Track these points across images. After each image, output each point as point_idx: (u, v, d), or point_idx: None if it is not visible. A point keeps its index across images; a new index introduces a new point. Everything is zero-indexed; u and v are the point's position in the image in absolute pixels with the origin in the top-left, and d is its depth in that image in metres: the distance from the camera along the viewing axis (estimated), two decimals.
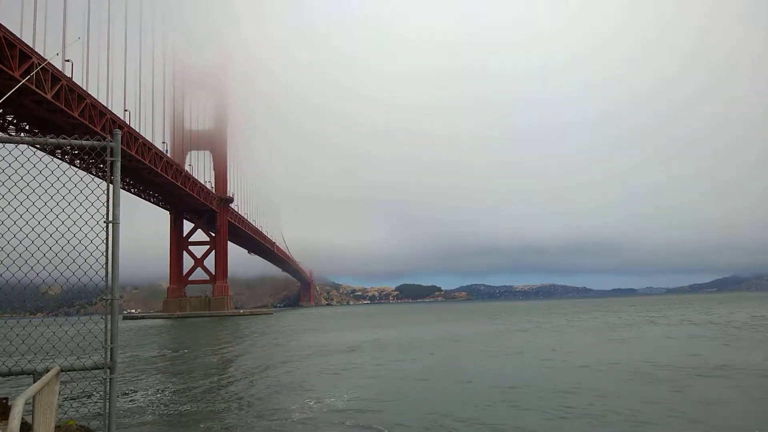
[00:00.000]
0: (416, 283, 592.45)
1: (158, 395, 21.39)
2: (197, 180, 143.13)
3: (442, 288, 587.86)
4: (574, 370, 24.37)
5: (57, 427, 6.79)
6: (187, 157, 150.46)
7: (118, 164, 6.62)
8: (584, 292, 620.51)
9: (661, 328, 49.09)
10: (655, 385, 19.53)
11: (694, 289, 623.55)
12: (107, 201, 6.52)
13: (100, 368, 6.24)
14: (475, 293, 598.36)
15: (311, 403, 19.04)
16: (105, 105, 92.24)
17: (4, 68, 64.90)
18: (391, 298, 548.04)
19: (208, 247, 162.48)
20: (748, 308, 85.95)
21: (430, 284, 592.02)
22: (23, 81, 57.94)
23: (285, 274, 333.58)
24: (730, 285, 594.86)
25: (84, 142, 6.64)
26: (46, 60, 67.92)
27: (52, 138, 6.48)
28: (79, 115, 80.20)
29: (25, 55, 68.66)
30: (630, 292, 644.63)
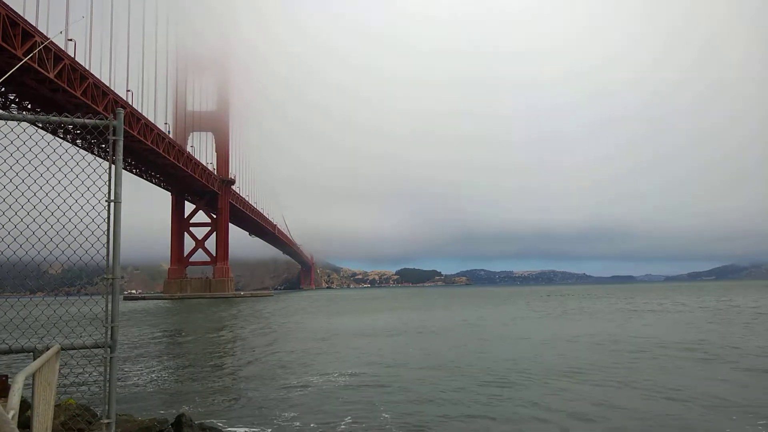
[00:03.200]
0: (416, 267, 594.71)
1: (158, 374, 21.54)
2: (199, 161, 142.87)
3: (442, 273, 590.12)
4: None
5: (57, 405, 6.82)
6: (189, 138, 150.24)
7: (120, 143, 6.57)
8: (583, 279, 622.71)
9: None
10: None
11: (693, 277, 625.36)
12: (109, 180, 6.47)
13: (100, 347, 6.24)
14: (475, 278, 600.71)
15: (313, 380, 19.33)
16: (107, 85, 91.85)
17: (7, 47, 64.52)
18: (391, 282, 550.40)
19: (209, 228, 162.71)
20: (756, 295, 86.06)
21: (430, 269, 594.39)
22: (25, 59, 57.66)
23: (286, 256, 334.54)
24: (728, 273, 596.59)
25: (86, 121, 6.58)
26: (48, 39, 67.50)
27: (54, 116, 6.42)
28: (81, 95, 79.86)
29: (27, 33, 68.23)
30: (629, 279, 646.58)
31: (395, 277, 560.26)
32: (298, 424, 13.61)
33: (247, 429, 13.15)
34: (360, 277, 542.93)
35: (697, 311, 53.26)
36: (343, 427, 13.36)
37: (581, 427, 12.74)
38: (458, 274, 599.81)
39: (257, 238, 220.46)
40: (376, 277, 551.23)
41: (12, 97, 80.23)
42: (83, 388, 11.64)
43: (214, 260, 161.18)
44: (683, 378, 18.25)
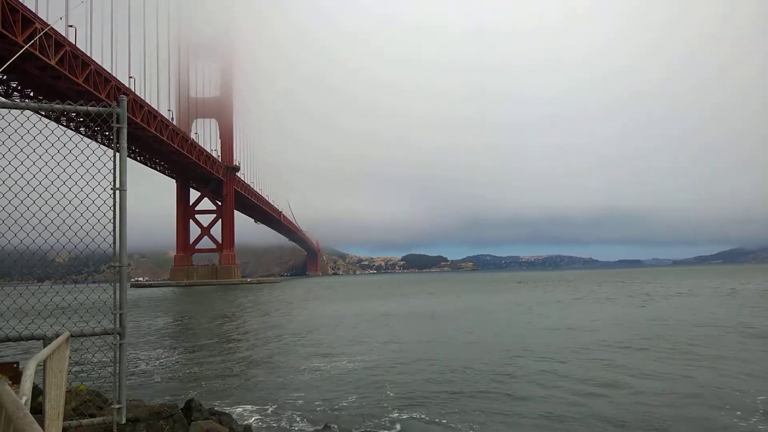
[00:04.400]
0: (422, 253, 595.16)
1: (167, 360, 21.74)
2: (203, 148, 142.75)
3: (448, 258, 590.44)
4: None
5: (68, 391, 6.89)
6: (193, 125, 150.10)
7: (124, 131, 6.55)
8: (590, 263, 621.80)
9: None
10: None
11: (700, 260, 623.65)
12: (114, 168, 6.47)
13: (109, 334, 6.29)
14: (482, 263, 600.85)
15: (320, 363, 19.56)
16: (109, 72, 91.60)
17: (7, 34, 64.29)
18: (397, 267, 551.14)
19: (214, 215, 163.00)
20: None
21: (436, 254, 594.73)
22: (26, 46, 57.43)
23: (292, 243, 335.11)
24: (735, 257, 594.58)
25: (90, 108, 6.56)
26: (48, 25, 67.24)
27: (57, 104, 6.40)
28: (83, 82, 79.69)
29: (27, 20, 67.95)
30: (636, 263, 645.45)
31: (401, 263, 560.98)
32: (301, 402, 13.99)
33: (254, 411, 13.34)
34: (366, 263, 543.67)
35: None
36: (345, 404, 13.78)
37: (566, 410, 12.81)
38: (464, 260, 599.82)
39: (263, 225, 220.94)
40: (382, 263, 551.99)
41: (14, 85, 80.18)
42: (94, 374, 11.78)
43: (220, 247, 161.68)
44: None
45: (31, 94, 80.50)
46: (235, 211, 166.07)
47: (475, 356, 20.31)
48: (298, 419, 12.62)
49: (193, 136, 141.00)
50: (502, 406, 13.29)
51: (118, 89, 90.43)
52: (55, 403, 5.12)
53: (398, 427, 11.92)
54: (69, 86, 77.65)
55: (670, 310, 37.30)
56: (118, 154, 6.49)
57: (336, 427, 12.02)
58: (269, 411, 13.39)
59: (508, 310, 42.48)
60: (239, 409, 13.48)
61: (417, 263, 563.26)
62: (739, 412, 12.01)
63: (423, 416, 12.58)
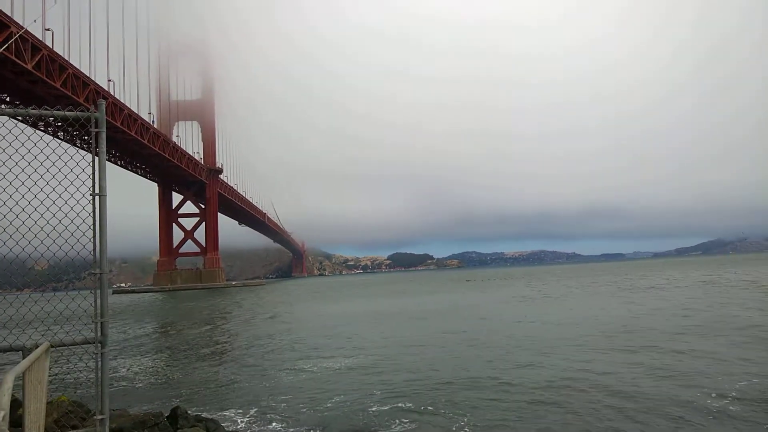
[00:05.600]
0: (408, 251, 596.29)
1: (151, 368, 21.47)
2: (185, 151, 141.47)
3: (434, 256, 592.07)
4: None
5: (49, 402, 6.74)
6: (175, 127, 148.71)
7: (103, 135, 6.43)
8: (574, 258, 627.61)
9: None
10: None
11: (680, 252, 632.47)
12: (93, 173, 6.35)
13: (90, 343, 6.15)
14: (467, 261, 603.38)
15: (305, 366, 19.54)
16: (88, 75, 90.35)
17: None
18: (383, 267, 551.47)
19: (198, 219, 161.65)
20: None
21: (422, 253, 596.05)
22: (1, 50, 56.46)
23: (277, 245, 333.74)
24: (714, 248, 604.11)
25: (67, 113, 6.43)
26: (23, 28, 66.16)
27: (34, 109, 6.26)
28: (61, 86, 78.54)
29: (2, 24, 66.82)
30: (618, 257, 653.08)
31: (387, 262, 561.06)
32: (289, 405, 14.01)
33: (241, 416, 13.23)
34: (352, 263, 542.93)
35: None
36: (329, 404, 13.86)
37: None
38: (450, 257, 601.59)
39: (247, 227, 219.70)
40: (369, 263, 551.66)
41: None
42: (76, 384, 11.58)
43: (203, 251, 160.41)
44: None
45: (7, 99, 79.11)
46: (219, 214, 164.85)
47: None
48: (285, 422, 12.54)
49: (174, 138, 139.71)
50: (487, 397, 13.31)
51: (97, 93, 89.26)
52: (35, 416, 4.99)
53: (384, 424, 11.92)
54: (46, 91, 76.48)
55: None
56: (97, 159, 6.37)
57: (323, 428, 12.00)
58: (256, 415, 13.29)
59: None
60: (226, 415, 13.36)
61: (403, 262, 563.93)
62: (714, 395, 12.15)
63: (408, 412, 12.61)
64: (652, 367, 16.33)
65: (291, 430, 12.08)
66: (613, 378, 15.20)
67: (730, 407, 11.84)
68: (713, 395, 12.79)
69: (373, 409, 13.31)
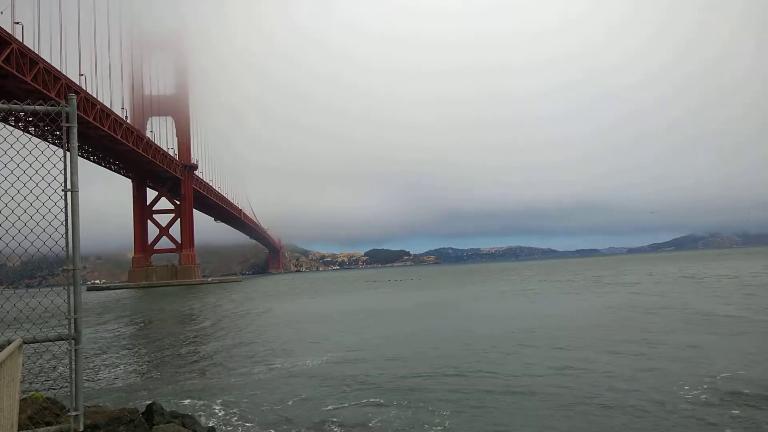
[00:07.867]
0: (385, 248, 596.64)
1: (127, 364, 21.27)
2: (159, 147, 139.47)
3: (411, 252, 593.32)
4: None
5: (23, 399, 6.69)
6: (149, 123, 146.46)
7: (74, 130, 6.39)
8: (549, 254, 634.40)
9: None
10: None
11: (654, 248, 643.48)
12: (65, 169, 6.31)
13: (64, 339, 6.13)
14: (443, 257, 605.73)
15: (277, 362, 19.61)
16: (59, 69, 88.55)
17: None
18: (360, 263, 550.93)
19: (173, 215, 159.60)
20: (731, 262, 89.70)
21: (398, 249, 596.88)
22: None
23: (253, 241, 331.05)
24: (687, 243, 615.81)
25: (37, 108, 6.38)
26: None
27: (3, 103, 6.20)
28: (32, 81, 76.95)
29: None
30: (593, 252, 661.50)
31: (364, 258, 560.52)
32: (265, 400, 14.15)
33: (218, 412, 13.26)
34: (329, 259, 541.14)
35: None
36: (300, 399, 14.05)
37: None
38: (426, 253, 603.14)
39: (223, 224, 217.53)
40: (346, 259, 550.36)
41: None
42: (51, 381, 11.45)
43: (179, 247, 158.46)
44: None
45: None
46: (195, 210, 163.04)
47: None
48: (259, 416, 12.60)
49: (148, 134, 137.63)
50: (459, 395, 13.52)
51: (68, 87, 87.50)
52: (8, 413, 4.98)
53: (354, 417, 12.08)
54: (16, 85, 74.89)
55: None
56: (68, 154, 6.33)
57: (295, 420, 12.13)
58: (233, 410, 13.30)
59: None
60: (203, 410, 13.33)
61: (380, 258, 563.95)
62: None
63: (377, 406, 12.81)
64: (624, 356, 16.71)
65: (264, 422, 12.19)
66: (590, 366, 15.55)
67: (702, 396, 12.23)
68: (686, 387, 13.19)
69: (344, 403, 13.50)
